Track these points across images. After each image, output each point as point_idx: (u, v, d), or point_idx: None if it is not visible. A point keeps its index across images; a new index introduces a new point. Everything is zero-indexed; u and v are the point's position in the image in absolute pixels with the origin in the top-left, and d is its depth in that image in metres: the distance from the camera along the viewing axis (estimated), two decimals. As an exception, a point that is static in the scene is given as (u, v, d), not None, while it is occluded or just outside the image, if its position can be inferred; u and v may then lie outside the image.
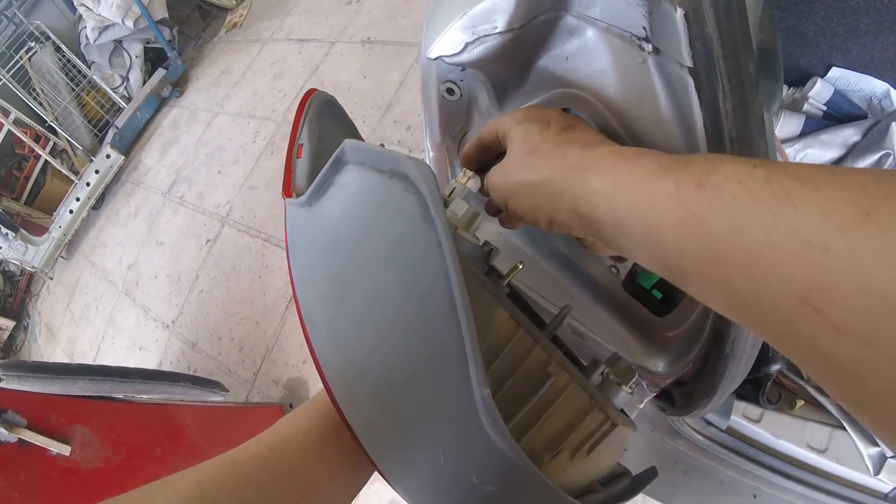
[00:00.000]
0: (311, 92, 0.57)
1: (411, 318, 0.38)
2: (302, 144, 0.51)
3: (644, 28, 0.44)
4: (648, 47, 0.45)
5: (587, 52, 0.50)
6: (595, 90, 0.52)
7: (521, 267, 0.50)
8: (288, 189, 0.49)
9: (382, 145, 0.59)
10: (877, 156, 1.35)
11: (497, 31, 0.50)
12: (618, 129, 0.51)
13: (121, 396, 1.90)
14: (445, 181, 0.78)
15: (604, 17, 0.47)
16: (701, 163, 0.34)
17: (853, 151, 1.39)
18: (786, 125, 1.46)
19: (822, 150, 1.41)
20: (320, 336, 0.43)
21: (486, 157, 0.56)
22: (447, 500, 0.38)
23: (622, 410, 0.47)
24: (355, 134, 0.62)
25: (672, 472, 1.20)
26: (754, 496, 1.20)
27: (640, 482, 0.48)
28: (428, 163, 0.78)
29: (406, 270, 0.38)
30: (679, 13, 0.39)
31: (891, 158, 1.34)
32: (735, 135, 0.41)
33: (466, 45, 0.53)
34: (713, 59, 0.39)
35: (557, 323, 0.50)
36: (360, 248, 0.41)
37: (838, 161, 1.41)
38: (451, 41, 0.54)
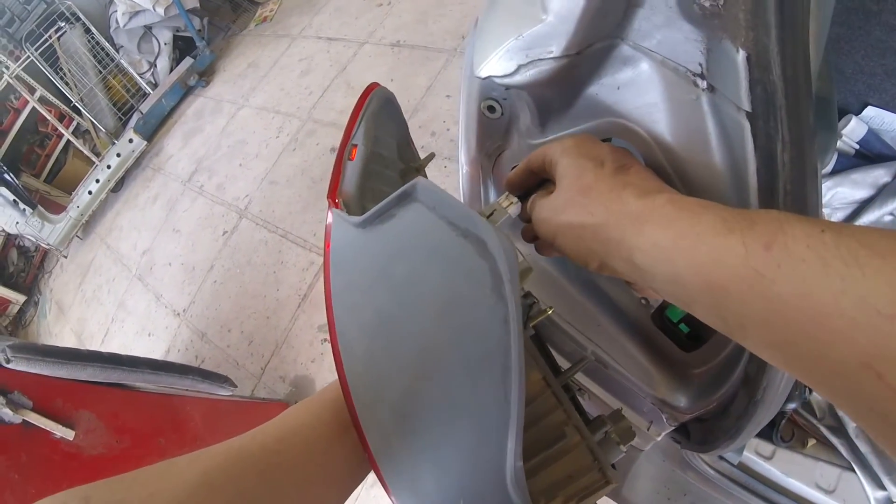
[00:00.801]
0: (372, 86, 0.56)
1: (458, 377, 0.38)
2: (356, 145, 0.50)
3: (700, 64, 0.44)
4: (703, 84, 0.44)
5: (639, 84, 0.50)
6: (644, 123, 0.51)
7: (549, 312, 0.50)
8: (334, 192, 0.48)
9: (433, 154, 0.58)
10: None
11: (552, 55, 0.50)
12: (664, 165, 0.51)
13: (128, 384, 1.91)
14: (478, 197, 0.78)
15: (660, 49, 0.47)
16: (767, 222, 0.34)
17: (883, 192, 1.38)
18: None
19: (853, 189, 1.40)
20: (352, 352, 0.43)
21: (532, 182, 0.55)
22: None
23: (614, 465, 0.48)
24: (407, 135, 0.62)
25: (679, 502, 1.19)
26: (759, 532, 1.19)
27: None
28: (461, 177, 0.78)
29: (463, 331, 0.39)
30: (741, 55, 0.39)
31: None
32: (790, 187, 0.41)
33: (519, 67, 0.53)
34: (775, 107, 0.38)
35: (574, 372, 0.51)
36: (414, 291, 0.41)
37: (867, 201, 1.40)
38: (504, 62, 0.53)
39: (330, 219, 0.48)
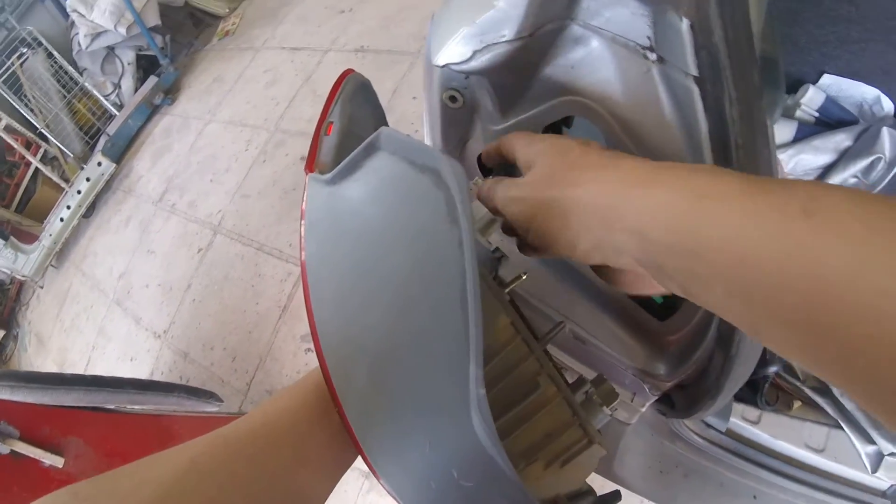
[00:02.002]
0: (347, 72, 0.57)
1: (421, 306, 0.38)
2: (332, 122, 0.50)
3: (648, 38, 0.45)
4: (653, 56, 0.46)
5: (592, 61, 0.51)
6: (600, 98, 0.53)
7: (524, 277, 0.51)
8: (311, 164, 0.48)
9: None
10: (868, 160, 1.39)
11: (505, 39, 0.51)
12: (622, 136, 0.53)
13: (114, 407, 1.89)
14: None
15: (609, 26, 0.48)
16: (802, 186, 0.29)
17: (845, 156, 1.43)
18: (779, 131, 1.49)
19: (815, 155, 1.45)
20: (325, 312, 0.43)
21: (499, 162, 0.54)
22: (426, 490, 0.38)
23: (599, 430, 0.48)
24: (384, 120, 0.62)
25: (672, 475, 1.21)
26: (754, 497, 1.21)
27: (603, 502, 0.49)
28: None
29: (424, 262, 0.38)
30: (685, 24, 0.40)
31: (882, 162, 1.39)
32: (741, 141, 0.42)
33: (475, 52, 0.54)
34: (719, 69, 0.40)
35: (551, 336, 0.51)
36: (382, 232, 0.42)
37: (831, 166, 1.44)
38: (460, 49, 0.54)
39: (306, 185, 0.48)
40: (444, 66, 0.58)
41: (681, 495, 1.21)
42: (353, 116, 0.53)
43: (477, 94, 0.62)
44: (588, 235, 0.39)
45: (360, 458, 0.41)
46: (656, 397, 0.93)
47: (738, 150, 0.42)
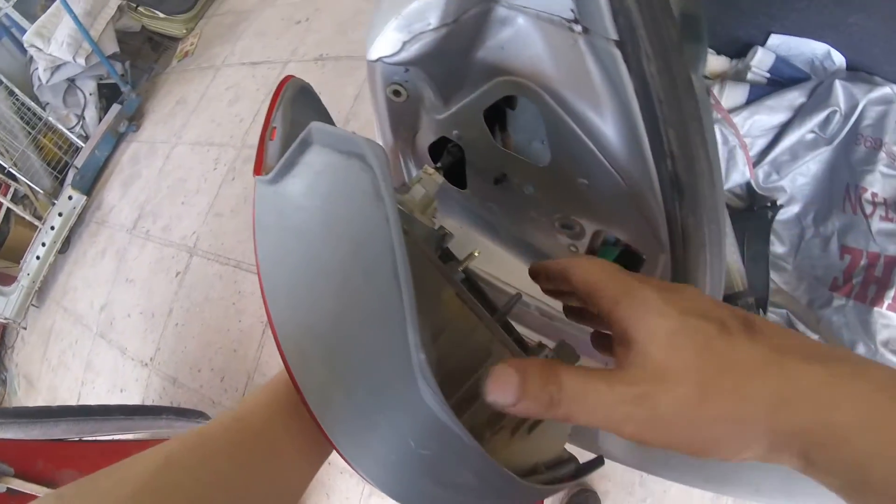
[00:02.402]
0: (287, 78, 0.58)
1: (361, 286, 0.38)
2: (275, 127, 0.51)
3: (572, 10, 0.45)
4: (578, 28, 0.46)
5: (521, 40, 0.52)
6: (532, 75, 0.53)
7: (477, 255, 0.51)
8: (259, 168, 0.48)
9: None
10: (824, 114, 1.40)
11: (431, 27, 0.52)
12: (557, 110, 0.53)
13: (106, 439, 1.87)
14: (401, 182, 0.79)
15: (532, 4, 0.48)
16: None
17: (800, 113, 1.44)
18: (731, 95, 1.50)
19: (770, 115, 1.46)
20: (280, 309, 0.43)
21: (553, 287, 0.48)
22: (387, 463, 0.38)
23: None
24: (328, 120, 0.62)
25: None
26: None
27: (585, 468, 0.49)
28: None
29: (358, 242, 0.39)
30: (602, -8, 0.41)
31: (837, 115, 1.40)
32: (663, 95, 0.43)
33: (404, 44, 0.54)
34: (635, 29, 0.41)
35: (508, 309, 0.51)
36: (321, 222, 0.42)
37: (786, 124, 1.46)
38: (389, 41, 0.55)
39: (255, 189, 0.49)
40: (377, 60, 0.59)
41: (671, 461, 1.21)
42: (294, 120, 0.53)
43: (418, 85, 0.63)
44: (746, 454, 0.33)
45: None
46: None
47: (660, 104, 0.43)
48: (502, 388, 0.34)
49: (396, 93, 0.65)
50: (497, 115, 0.68)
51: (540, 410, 0.34)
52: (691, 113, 0.44)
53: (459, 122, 0.64)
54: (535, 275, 0.48)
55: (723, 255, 0.57)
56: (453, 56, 0.56)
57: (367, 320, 0.38)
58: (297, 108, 0.55)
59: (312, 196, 0.43)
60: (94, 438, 1.83)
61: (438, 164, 0.70)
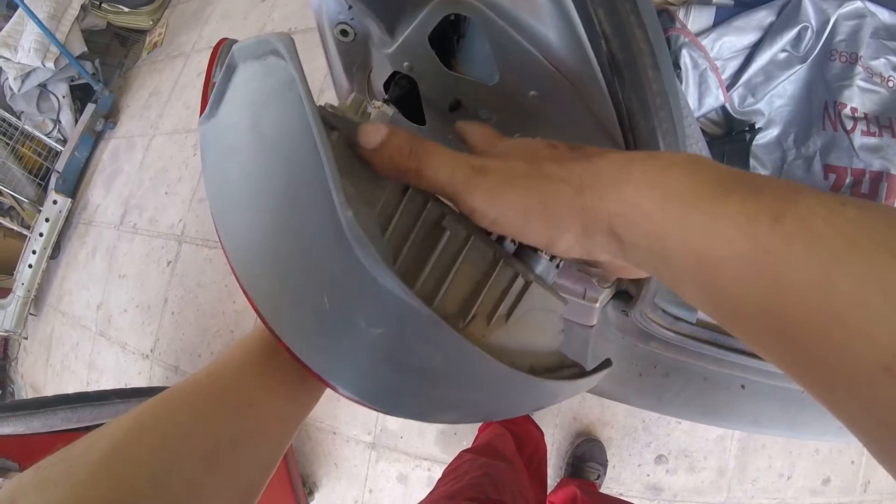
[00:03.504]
0: (222, 41, 0.58)
1: (290, 177, 0.36)
2: (215, 82, 0.50)
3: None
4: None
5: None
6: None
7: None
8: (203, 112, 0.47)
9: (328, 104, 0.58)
10: (794, 31, 1.37)
11: None
12: (497, 21, 0.51)
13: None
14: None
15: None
16: (775, 189, 0.28)
17: (770, 32, 1.40)
18: (697, 19, 1.47)
19: (739, 35, 1.43)
20: (229, 234, 0.42)
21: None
22: (339, 352, 0.36)
23: (541, 276, 0.46)
24: None
25: (652, 376, 1.18)
26: (742, 387, 1.19)
27: (593, 371, 0.48)
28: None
29: (281, 134, 0.37)
30: None
31: (809, 31, 1.37)
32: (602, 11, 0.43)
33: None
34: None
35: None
36: (248, 130, 0.40)
37: (757, 44, 1.42)
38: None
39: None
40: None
41: (666, 396, 1.19)
42: None
43: (364, 22, 0.63)
44: (567, 235, 0.37)
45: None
46: (606, 287, 0.90)
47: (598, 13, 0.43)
48: (373, 132, 0.37)
49: (344, 32, 0.65)
50: (446, 46, 0.65)
51: (398, 159, 0.37)
52: (627, 22, 0.44)
53: (408, 52, 0.61)
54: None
55: (681, 147, 0.56)
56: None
57: (295, 204, 0.36)
58: None
59: (240, 110, 0.41)
60: (95, 424, 1.81)
61: (386, 97, 0.68)
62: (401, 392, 0.38)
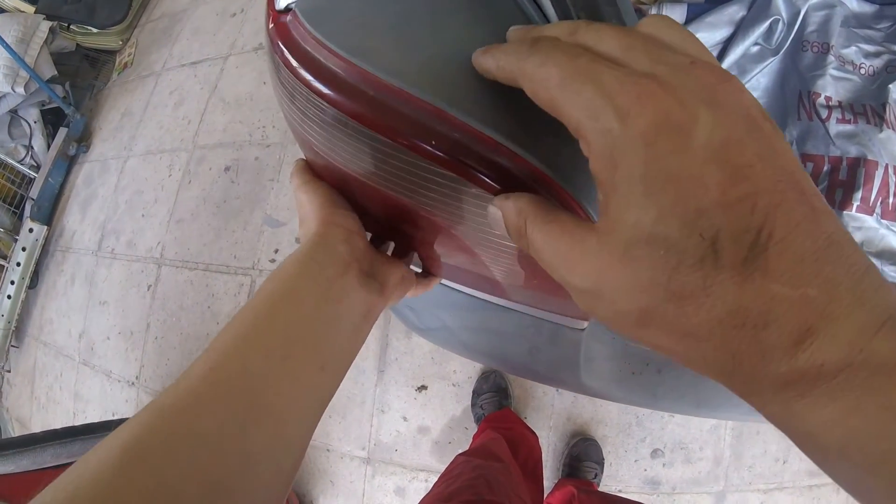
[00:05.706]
0: None
1: None
2: None
3: None
4: None
5: None
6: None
7: None
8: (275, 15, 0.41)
9: None
10: (766, 24, 1.39)
11: None
12: None
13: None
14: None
15: None
16: None
17: (742, 26, 1.42)
18: (670, 16, 1.46)
19: (711, 31, 1.44)
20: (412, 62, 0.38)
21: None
22: None
23: None
24: None
25: (645, 374, 1.17)
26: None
27: None
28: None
29: None
30: None
31: (780, 24, 1.39)
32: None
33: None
34: None
35: None
36: None
37: (729, 39, 1.44)
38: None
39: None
40: None
41: (660, 391, 1.18)
42: None
43: None
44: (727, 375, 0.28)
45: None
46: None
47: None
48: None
49: None
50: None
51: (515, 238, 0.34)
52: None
53: None
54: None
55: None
56: None
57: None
58: None
59: None
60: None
61: None
62: None
